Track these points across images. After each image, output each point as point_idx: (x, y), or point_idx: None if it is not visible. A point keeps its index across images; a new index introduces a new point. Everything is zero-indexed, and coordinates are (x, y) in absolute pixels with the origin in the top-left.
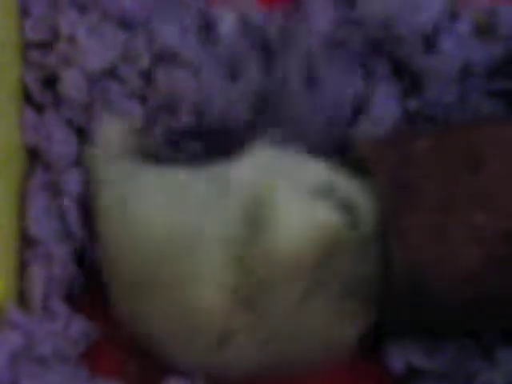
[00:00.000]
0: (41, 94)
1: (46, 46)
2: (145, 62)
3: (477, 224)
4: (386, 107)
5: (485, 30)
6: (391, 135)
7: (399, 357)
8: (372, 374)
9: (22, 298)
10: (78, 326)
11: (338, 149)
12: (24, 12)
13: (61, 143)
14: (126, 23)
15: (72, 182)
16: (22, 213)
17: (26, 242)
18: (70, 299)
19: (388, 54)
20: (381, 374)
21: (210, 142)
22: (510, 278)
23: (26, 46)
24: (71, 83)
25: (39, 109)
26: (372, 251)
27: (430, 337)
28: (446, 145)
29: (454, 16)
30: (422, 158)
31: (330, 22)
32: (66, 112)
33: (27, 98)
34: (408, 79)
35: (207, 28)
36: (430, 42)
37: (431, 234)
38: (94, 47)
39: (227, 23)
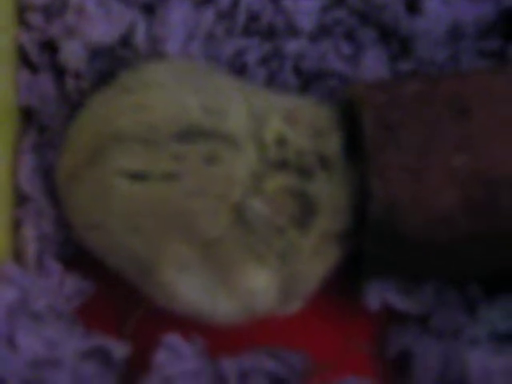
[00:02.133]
0: (37, 56)
1: (47, 10)
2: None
3: (454, 167)
4: (375, 70)
5: None
6: (381, 80)
7: (376, 295)
8: (351, 311)
9: (17, 256)
10: (72, 283)
11: None
12: None
13: (55, 104)
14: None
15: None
16: (15, 171)
17: (19, 199)
18: (65, 257)
19: (374, 23)
20: (361, 311)
21: None
22: (486, 221)
23: (25, 9)
24: (72, 54)
25: (34, 70)
26: (350, 184)
27: (409, 281)
28: (433, 90)
29: None
30: (408, 101)
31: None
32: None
33: (23, 59)
34: (397, 43)
35: None
36: (414, 5)
37: (410, 172)
38: (101, 21)
39: None
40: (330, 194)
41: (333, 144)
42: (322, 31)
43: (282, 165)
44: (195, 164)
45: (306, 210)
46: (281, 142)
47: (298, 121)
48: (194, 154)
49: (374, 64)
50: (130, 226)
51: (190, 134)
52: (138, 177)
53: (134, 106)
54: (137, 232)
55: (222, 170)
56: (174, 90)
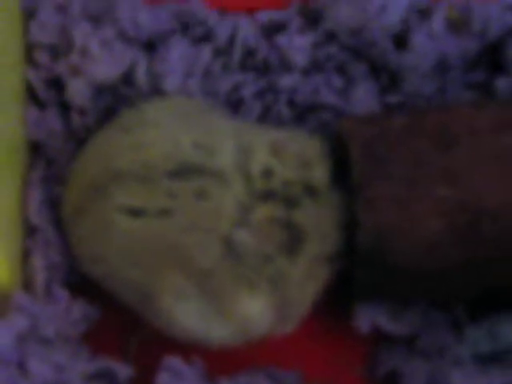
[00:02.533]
0: (44, 92)
1: (54, 49)
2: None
3: (440, 197)
4: (365, 103)
5: (459, 25)
6: (370, 113)
7: (366, 317)
8: (343, 333)
9: (26, 284)
10: (79, 309)
11: None
12: (29, 15)
13: (61, 139)
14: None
15: None
16: (24, 203)
17: (28, 230)
18: (70, 285)
19: (364, 58)
20: (351, 334)
21: None
22: (470, 249)
23: (32, 47)
24: (77, 91)
25: (42, 106)
26: (338, 211)
27: (398, 303)
28: (419, 124)
29: (425, 13)
30: (395, 135)
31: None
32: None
33: (30, 95)
34: (386, 77)
35: None
36: (402, 40)
37: (396, 203)
38: (104, 60)
39: None
40: (317, 220)
41: (320, 174)
42: (315, 66)
43: (268, 196)
44: (187, 200)
45: (293, 238)
46: (267, 173)
47: (284, 152)
48: (185, 190)
49: (364, 97)
50: (130, 259)
51: (182, 171)
52: (135, 213)
53: (132, 145)
54: (136, 265)
55: (211, 204)
56: (168, 128)
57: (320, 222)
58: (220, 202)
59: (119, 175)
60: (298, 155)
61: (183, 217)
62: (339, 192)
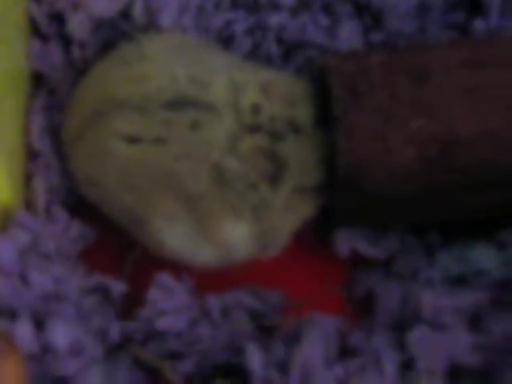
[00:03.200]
0: (46, 26)
1: None
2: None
3: (414, 128)
4: (349, 40)
5: None
6: (351, 51)
7: (345, 242)
8: (324, 256)
9: (28, 205)
10: (76, 228)
11: None
12: None
13: (62, 70)
14: None
15: None
16: (27, 130)
17: (31, 155)
18: (69, 206)
19: None
20: (332, 257)
21: None
22: (439, 176)
23: None
24: (78, 25)
25: (44, 39)
26: (320, 146)
27: (375, 229)
28: (397, 61)
29: None
30: (373, 70)
31: None
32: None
33: (33, 29)
34: (369, 16)
35: None
36: None
37: (373, 133)
38: None
39: None
40: (299, 155)
41: (304, 112)
42: (302, 5)
43: (255, 129)
44: (181, 130)
45: (276, 168)
46: (255, 109)
47: (272, 91)
48: (180, 120)
49: (348, 35)
50: (125, 184)
51: (177, 103)
52: (132, 140)
53: (131, 77)
54: (130, 189)
55: (204, 134)
56: (165, 62)
57: (301, 157)
58: (212, 133)
59: (118, 104)
60: (285, 95)
61: (177, 145)
62: (322, 131)
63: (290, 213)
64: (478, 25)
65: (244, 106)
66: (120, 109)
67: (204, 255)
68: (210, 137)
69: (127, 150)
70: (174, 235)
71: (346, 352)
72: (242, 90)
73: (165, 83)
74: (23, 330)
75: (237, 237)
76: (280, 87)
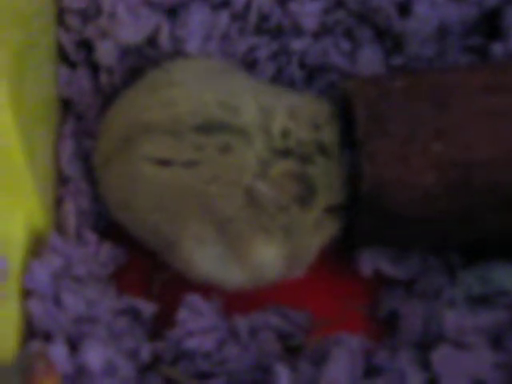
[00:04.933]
0: (75, 53)
1: (84, 14)
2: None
3: (434, 152)
4: (370, 64)
5: None
6: (373, 75)
7: (368, 262)
8: (348, 276)
9: (59, 229)
10: (106, 251)
11: None
12: None
13: (90, 96)
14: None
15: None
16: (57, 155)
17: (61, 180)
18: (99, 230)
19: (370, 23)
20: (356, 277)
21: None
22: (461, 198)
23: (64, 12)
24: (105, 52)
25: (73, 66)
26: (344, 166)
27: (398, 249)
28: (418, 86)
29: None
30: (396, 95)
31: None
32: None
33: (62, 56)
34: (390, 41)
35: None
36: (405, 7)
37: (395, 157)
38: (131, 24)
39: None
40: (327, 175)
41: (329, 134)
42: (324, 30)
43: (285, 153)
44: (212, 153)
45: (306, 191)
46: (285, 133)
47: (299, 116)
48: (211, 144)
49: (369, 59)
50: (155, 206)
51: (207, 127)
52: (163, 163)
53: (160, 102)
54: (161, 211)
55: (235, 158)
56: (193, 87)
57: (329, 177)
58: (243, 157)
59: (148, 128)
60: (311, 118)
61: (208, 168)
62: (345, 152)
63: (318, 232)
64: (497, 48)
65: (274, 130)
66: (149, 132)
67: (234, 277)
68: (241, 160)
69: (158, 173)
70: (205, 257)
71: (371, 371)
72: (270, 114)
73: (194, 107)
74: (58, 352)
75: (267, 258)
76: (306, 111)
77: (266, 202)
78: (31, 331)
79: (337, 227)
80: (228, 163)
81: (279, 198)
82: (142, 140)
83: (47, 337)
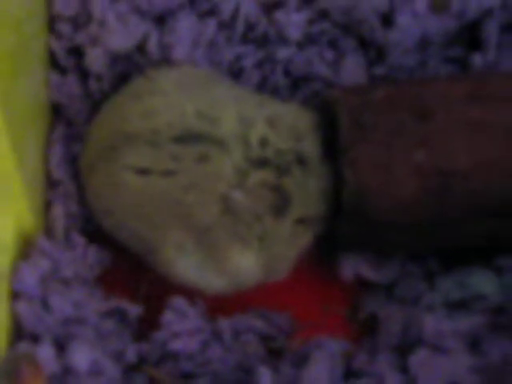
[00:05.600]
0: (65, 60)
1: (74, 21)
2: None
3: (416, 161)
4: (353, 74)
5: (440, 6)
6: (356, 85)
7: (349, 267)
8: (329, 281)
9: (48, 231)
10: (93, 254)
11: None
12: None
13: (80, 101)
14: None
15: None
16: (46, 159)
17: (50, 184)
18: (87, 233)
19: (354, 33)
20: (337, 281)
21: None
22: (442, 207)
23: (55, 19)
24: (95, 59)
25: (63, 72)
26: (326, 176)
27: (378, 255)
28: (399, 94)
29: None
30: (378, 104)
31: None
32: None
33: (53, 62)
34: (373, 51)
35: None
36: (388, 19)
37: (377, 165)
38: (120, 31)
39: None
40: (304, 186)
41: (310, 145)
42: (309, 40)
43: (263, 163)
44: (189, 163)
45: (281, 201)
46: (263, 143)
47: (279, 125)
48: (188, 154)
49: (353, 69)
50: (136, 214)
51: (185, 137)
52: (143, 172)
53: (141, 112)
54: (141, 219)
55: (211, 168)
56: (175, 97)
57: (306, 189)
58: (220, 166)
59: (130, 138)
60: (291, 128)
61: (185, 177)
62: (327, 162)
63: (293, 241)
64: (476, 60)
65: (252, 139)
66: (131, 142)
67: (214, 283)
68: (218, 170)
69: (138, 182)
70: (185, 264)
71: (350, 373)
72: (250, 123)
73: (173, 118)
74: (45, 353)
75: (245, 265)
76: (287, 120)
77: (241, 210)
78: (19, 333)
79: (312, 236)
80: (205, 172)
81: (254, 206)
82: (124, 150)
83: (35, 338)
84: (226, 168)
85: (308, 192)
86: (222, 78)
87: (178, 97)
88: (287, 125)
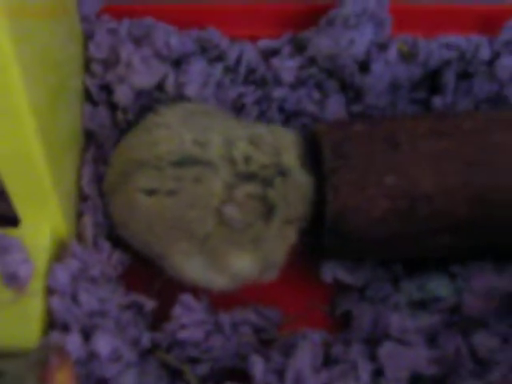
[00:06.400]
0: (97, 94)
1: (105, 63)
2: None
3: (387, 185)
4: (335, 111)
5: (408, 56)
6: (338, 121)
7: (329, 271)
8: (312, 282)
9: (79, 237)
10: (117, 257)
11: None
12: (88, 36)
13: (108, 129)
14: (168, 58)
15: None
16: (79, 177)
17: (81, 198)
18: (111, 239)
19: (336, 77)
20: (318, 283)
21: None
22: (408, 224)
23: (89, 61)
24: (122, 94)
25: (95, 105)
26: (304, 190)
27: (352, 262)
28: (374, 129)
29: (383, 46)
30: (356, 137)
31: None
32: (116, 112)
33: (87, 96)
34: (352, 92)
35: None
36: (365, 66)
37: (355, 188)
38: (143, 72)
39: None
40: (285, 194)
41: (289, 158)
42: (299, 82)
43: (249, 176)
44: (187, 183)
45: (267, 208)
46: (247, 159)
47: (260, 142)
48: (186, 176)
49: (335, 107)
50: (147, 228)
51: (184, 162)
52: (150, 192)
53: (149, 142)
54: (152, 231)
55: (205, 186)
56: (176, 128)
57: (287, 195)
58: (211, 185)
59: (140, 164)
60: (272, 144)
61: (185, 196)
62: (305, 172)
63: (280, 240)
64: (437, 101)
65: (237, 158)
66: (141, 168)
67: (217, 282)
68: (210, 188)
69: (147, 201)
70: (191, 268)
71: (329, 361)
72: (233, 144)
73: (174, 146)
74: (73, 341)
75: (242, 265)
76: (267, 138)
77: (233, 222)
78: (52, 323)
79: (296, 235)
80: (200, 191)
81: (245, 216)
82: (136, 174)
83: (65, 328)
84: (217, 185)
85: (289, 198)
86: (217, 112)
87: (178, 128)
88: (268, 142)
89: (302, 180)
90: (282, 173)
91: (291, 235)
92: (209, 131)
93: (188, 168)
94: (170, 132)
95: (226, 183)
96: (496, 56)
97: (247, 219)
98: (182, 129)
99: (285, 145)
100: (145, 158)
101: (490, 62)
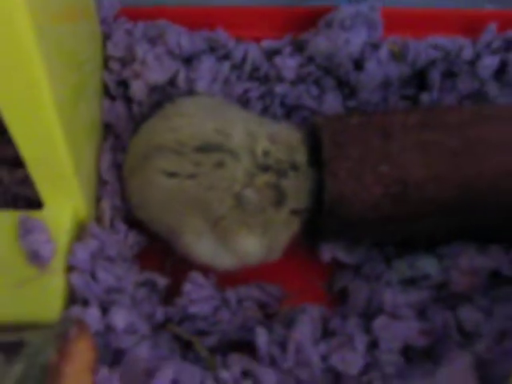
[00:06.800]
0: (115, 89)
1: (122, 60)
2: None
3: (381, 172)
4: (332, 106)
5: (398, 56)
6: (335, 114)
7: (328, 251)
8: (312, 261)
9: (98, 219)
10: (133, 237)
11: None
12: (107, 37)
13: (125, 121)
14: (180, 56)
15: None
16: (98, 164)
17: (100, 183)
18: (128, 221)
19: (333, 75)
20: (318, 261)
21: None
22: (400, 207)
23: (108, 59)
24: (137, 89)
25: (113, 99)
26: (310, 180)
27: (348, 243)
28: (368, 121)
29: (376, 46)
30: (352, 128)
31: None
32: (132, 106)
33: (106, 91)
34: (347, 89)
35: None
36: (359, 64)
37: (352, 175)
38: (157, 69)
39: None
40: (296, 186)
41: (300, 155)
42: (299, 79)
43: (266, 168)
44: (208, 168)
45: (280, 196)
46: (266, 154)
47: (277, 140)
48: (207, 161)
49: (332, 102)
50: (164, 207)
51: (204, 147)
52: (170, 175)
53: (169, 128)
54: (168, 211)
55: (227, 171)
56: (196, 117)
57: (297, 188)
58: (233, 170)
59: (159, 148)
60: (286, 142)
61: (205, 179)
62: (312, 168)
63: (286, 228)
64: (425, 97)
65: (257, 151)
66: (159, 150)
67: (225, 261)
68: (233, 173)
69: (167, 183)
70: (202, 247)
71: (327, 333)
72: (255, 138)
73: (195, 132)
74: (92, 315)
75: (250, 247)
76: (282, 136)
77: (250, 204)
78: (72, 299)
79: (300, 225)
80: (221, 175)
81: (260, 201)
82: (156, 157)
83: (85, 303)
84: (239, 172)
85: (299, 190)
86: (231, 104)
87: (198, 117)
88: (283, 140)
89: (308, 175)
90: (295, 168)
91: (296, 224)
92: (229, 122)
93: (210, 154)
94: (190, 120)
95: (247, 171)
96: (478, 56)
97: (262, 204)
98: (202, 117)
99: (295, 143)
100: (163, 142)
101: (473, 62)
